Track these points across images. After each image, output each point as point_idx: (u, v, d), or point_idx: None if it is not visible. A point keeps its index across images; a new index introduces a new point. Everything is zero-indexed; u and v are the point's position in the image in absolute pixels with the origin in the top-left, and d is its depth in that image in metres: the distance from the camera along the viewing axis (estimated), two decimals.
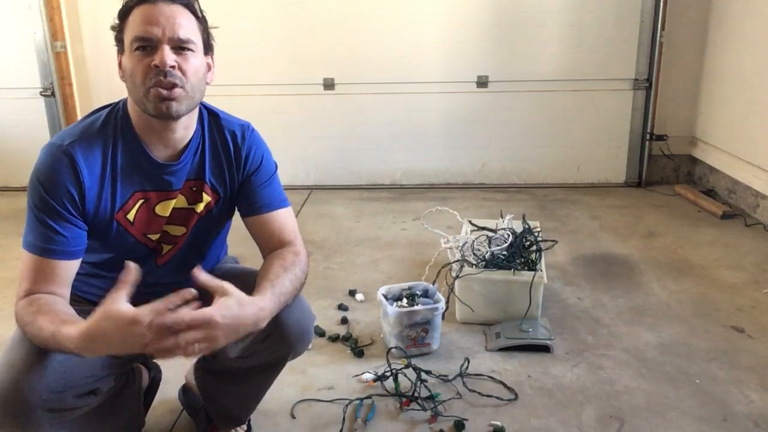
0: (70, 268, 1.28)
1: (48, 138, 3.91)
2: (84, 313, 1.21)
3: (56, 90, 3.94)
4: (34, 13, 3.81)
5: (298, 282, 1.34)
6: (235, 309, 1.12)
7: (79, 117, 3.93)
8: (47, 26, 3.83)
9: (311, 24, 3.91)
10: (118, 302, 1.05)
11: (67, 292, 1.28)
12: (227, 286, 1.14)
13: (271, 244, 1.43)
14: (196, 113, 1.37)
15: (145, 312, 1.03)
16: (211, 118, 1.43)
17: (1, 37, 3.88)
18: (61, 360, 1.19)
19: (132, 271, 1.08)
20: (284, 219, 1.45)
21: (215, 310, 1.08)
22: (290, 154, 4.04)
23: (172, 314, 1.04)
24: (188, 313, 1.05)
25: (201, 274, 1.12)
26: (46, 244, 1.25)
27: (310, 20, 3.90)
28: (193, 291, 1.07)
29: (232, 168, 1.42)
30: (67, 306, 1.24)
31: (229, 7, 3.82)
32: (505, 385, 1.91)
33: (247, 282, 1.28)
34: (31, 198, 1.27)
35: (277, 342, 1.37)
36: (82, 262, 1.34)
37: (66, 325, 1.12)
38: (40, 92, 3.94)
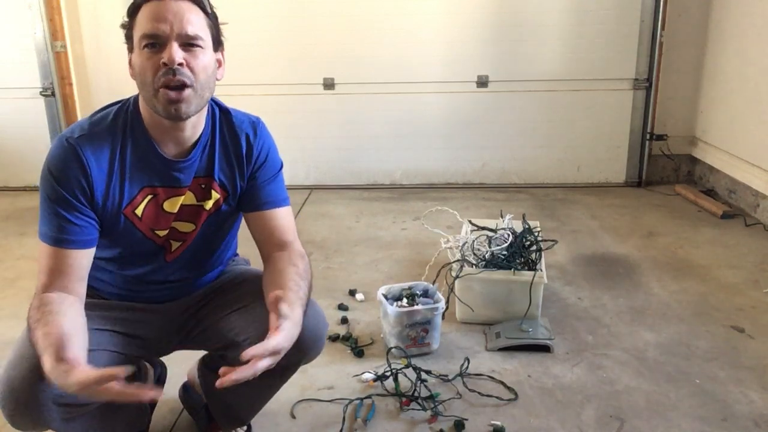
0: (84, 258, 1.30)
1: (48, 138, 3.94)
2: (92, 305, 1.24)
3: (56, 90, 3.93)
4: (34, 13, 3.81)
5: (310, 288, 1.38)
6: (294, 331, 1.21)
7: (79, 117, 3.97)
8: (47, 26, 3.83)
9: (311, 24, 3.91)
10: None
11: (80, 286, 1.29)
12: (284, 308, 1.21)
13: (270, 243, 1.44)
14: (205, 110, 1.37)
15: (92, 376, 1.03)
16: (222, 115, 1.43)
17: (1, 37, 3.88)
18: None
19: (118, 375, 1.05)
20: (285, 218, 1.46)
21: (282, 340, 1.17)
22: (290, 154, 4.03)
23: (255, 347, 1.13)
24: (270, 342, 1.15)
25: (282, 303, 1.20)
26: (59, 234, 1.27)
27: (310, 20, 3.90)
28: (125, 371, 1.05)
29: (242, 166, 1.42)
30: (71, 315, 1.21)
31: (230, 7, 3.79)
32: (505, 385, 1.91)
33: (261, 290, 1.34)
34: (43, 189, 1.29)
35: (291, 348, 1.33)
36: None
37: (45, 352, 1.10)
38: (40, 92, 3.94)
